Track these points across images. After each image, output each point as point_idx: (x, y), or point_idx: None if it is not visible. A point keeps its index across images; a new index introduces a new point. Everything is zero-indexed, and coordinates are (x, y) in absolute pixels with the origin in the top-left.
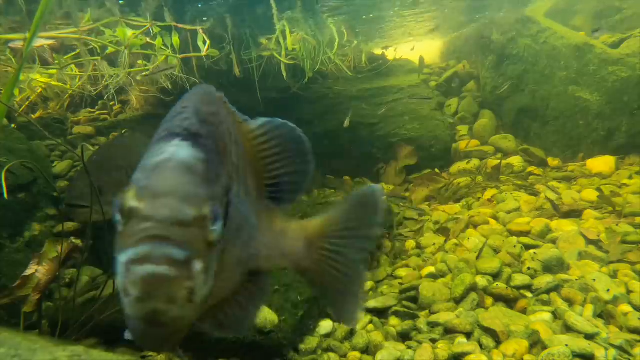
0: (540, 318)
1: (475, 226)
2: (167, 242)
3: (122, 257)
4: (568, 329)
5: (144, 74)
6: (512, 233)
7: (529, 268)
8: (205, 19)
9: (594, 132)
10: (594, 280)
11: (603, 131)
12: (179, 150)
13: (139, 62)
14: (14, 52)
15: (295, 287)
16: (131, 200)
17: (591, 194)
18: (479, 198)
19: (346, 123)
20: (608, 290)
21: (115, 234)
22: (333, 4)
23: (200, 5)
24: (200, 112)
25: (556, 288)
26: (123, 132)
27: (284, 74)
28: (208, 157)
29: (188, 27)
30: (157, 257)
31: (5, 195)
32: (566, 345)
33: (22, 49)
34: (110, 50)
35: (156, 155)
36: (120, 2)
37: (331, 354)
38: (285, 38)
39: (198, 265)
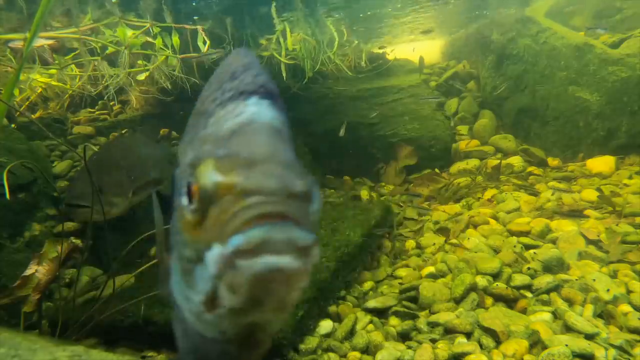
0: (540, 318)
1: (475, 226)
2: (289, 221)
3: (217, 250)
4: (568, 329)
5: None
6: (512, 233)
7: (529, 268)
8: (196, 17)
9: (594, 132)
10: (594, 280)
11: (603, 131)
12: (261, 110)
13: (139, 62)
14: (14, 52)
15: None
16: (212, 174)
17: (591, 194)
18: (479, 198)
19: (341, 132)
20: (608, 290)
21: (179, 225)
22: (331, 1)
23: (194, 4)
24: (265, 70)
25: (556, 288)
26: (123, 132)
27: (284, 74)
28: (286, 120)
29: (188, 27)
30: (280, 242)
31: (8, 196)
32: (566, 345)
33: (22, 49)
34: (110, 50)
35: (231, 118)
36: (113, 1)
37: (331, 354)
38: (285, 38)
39: (316, 254)
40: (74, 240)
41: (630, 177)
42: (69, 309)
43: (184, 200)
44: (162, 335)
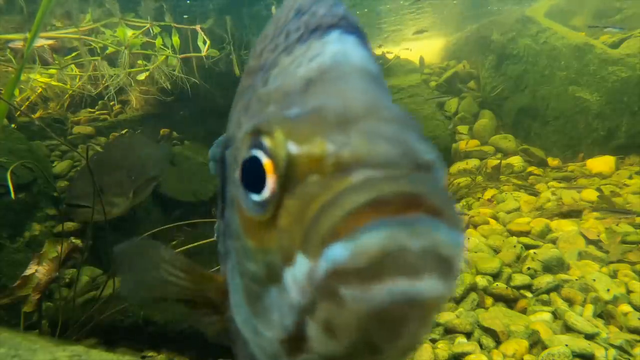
0: (540, 318)
1: (475, 226)
2: (426, 213)
3: (304, 268)
4: (568, 329)
5: None
6: (512, 233)
7: (529, 268)
8: (186, 16)
9: (594, 132)
10: (594, 280)
11: (603, 131)
12: (347, 48)
13: (139, 62)
14: (14, 52)
15: None
16: (285, 144)
17: (591, 194)
18: (479, 198)
19: None
20: (608, 290)
21: (237, 225)
22: None
23: (189, 1)
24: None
25: (556, 288)
26: (123, 132)
27: None
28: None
29: (185, 26)
30: (416, 253)
31: (13, 195)
32: (566, 345)
33: (22, 49)
34: (110, 50)
35: (303, 63)
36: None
37: None
38: None
39: (461, 265)
40: (74, 240)
41: (630, 177)
42: (69, 309)
43: (242, 190)
44: (162, 335)
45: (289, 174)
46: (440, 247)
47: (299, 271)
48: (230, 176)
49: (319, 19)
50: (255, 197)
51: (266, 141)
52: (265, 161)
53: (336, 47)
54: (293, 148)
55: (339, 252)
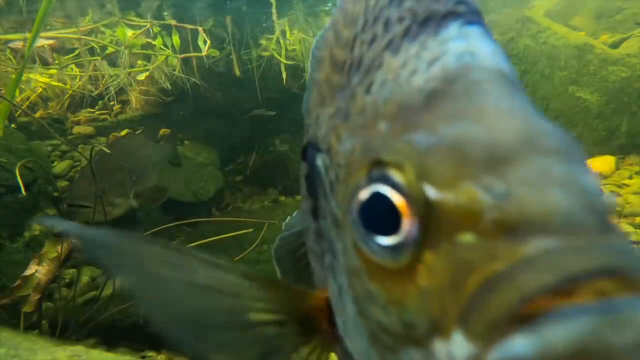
0: None
1: None
2: (630, 291)
3: (466, 351)
4: None
5: None
6: None
7: None
8: (165, 13)
9: (594, 132)
10: None
11: (603, 131)
12: (474, 46)
13: (139, 62)
14: (14, 52)
15: None
16: (421, 186)
17: None
18: None
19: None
20: None
21: (355, 260)
22: None
23: None
24: None
25: None
26: (124, 132)
27: (284, 74)
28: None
29: (189, 25)
30: (622, 347)
31: (23, 192)
32: None
33: (22, 49)
34: (110, 50)
35: (420, 70)
36: None
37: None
38: (284, 37)
39: None
40: (74, 240)
41: (630, 177)
42: (69, 309)
43: (361, 229)
44: (162, 335)
45: (428, 220)
46: None
47: (459, 352)
48: (325, 189)
49: (429, 5)
50: (384, 241)
51: (396, 176)
52: (399, 201)
53: (460, 45)
54: (431, 192)
55: (520, 346)
